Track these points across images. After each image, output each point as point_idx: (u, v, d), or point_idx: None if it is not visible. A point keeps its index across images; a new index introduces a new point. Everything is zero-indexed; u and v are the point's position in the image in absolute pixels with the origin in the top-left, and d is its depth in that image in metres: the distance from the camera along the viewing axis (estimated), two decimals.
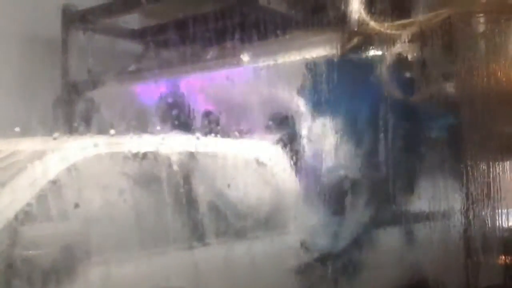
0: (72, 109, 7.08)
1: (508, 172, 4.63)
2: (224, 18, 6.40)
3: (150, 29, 7.18)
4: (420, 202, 5.07)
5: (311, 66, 5.24)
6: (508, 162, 4.65)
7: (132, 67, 6.23)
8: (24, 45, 7.41)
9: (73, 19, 7.27)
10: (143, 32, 7.34)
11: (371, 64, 5.01)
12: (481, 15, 4.51)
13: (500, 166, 4.60)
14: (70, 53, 7.24)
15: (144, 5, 7.02)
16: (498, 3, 4.49)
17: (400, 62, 4.75)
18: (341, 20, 5.05)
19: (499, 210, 4.54)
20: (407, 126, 4.97)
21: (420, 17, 4.69)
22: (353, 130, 5.23)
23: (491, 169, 4.58)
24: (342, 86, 5.25)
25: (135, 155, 3.95)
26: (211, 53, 5.91)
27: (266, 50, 5.50)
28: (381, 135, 5.14)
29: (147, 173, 4.00)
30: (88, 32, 7.00)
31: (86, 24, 7.12)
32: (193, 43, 6.59)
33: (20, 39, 7.40)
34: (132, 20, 8.03)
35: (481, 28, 4.54)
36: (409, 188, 5.11)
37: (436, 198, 4.86)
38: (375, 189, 5.21)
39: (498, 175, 4.58)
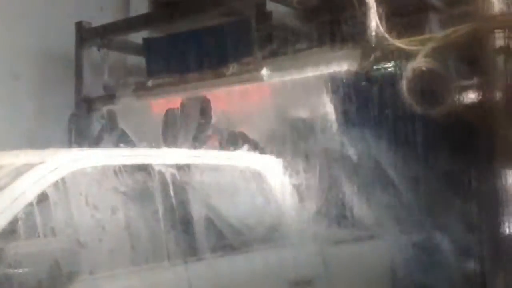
0: (87, 123, 7.17)
1: None
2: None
3: None
4: None
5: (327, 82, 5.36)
6: None
7: (149, 83, 6.29)
8: (39, 61, 7.52)
9: (87, 36, 7.38)
10: None
11: (390, 79, 5.13)
12: (499, 31, 4.61)
13: None
14: (85, 69, 7.33)
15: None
16: None
17: (420, 76, 4.84)
18: (360, 36, 5.16)
19: None
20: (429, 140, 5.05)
21: (439, 33, 4.79)
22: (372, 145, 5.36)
23: None
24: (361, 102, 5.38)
25: (127, 168, 3.79)
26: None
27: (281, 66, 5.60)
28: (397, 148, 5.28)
29: (139, 187, 3.84)
30: (103, 49, 7.08)
31: (100, 40, 7.21)
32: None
33: (35, 55, 7.52)
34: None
35: (499, 43, 4.64)
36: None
37: None
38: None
39: None
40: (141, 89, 6.40)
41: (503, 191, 4.72)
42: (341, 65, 5.21)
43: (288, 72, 5.40)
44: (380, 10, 4.98)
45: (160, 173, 3.92)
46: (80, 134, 7.14)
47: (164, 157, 4.07)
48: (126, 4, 8.72)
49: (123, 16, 8.29)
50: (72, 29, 7.43)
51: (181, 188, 3.99)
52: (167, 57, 7.03)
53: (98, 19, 7.56)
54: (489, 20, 4.63)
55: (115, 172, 3.73)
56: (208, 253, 3.97)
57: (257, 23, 6.31)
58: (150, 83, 6.30)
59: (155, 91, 6.26)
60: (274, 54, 5.73)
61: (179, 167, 4.06)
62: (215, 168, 4.39)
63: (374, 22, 5.02)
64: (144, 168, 3.89)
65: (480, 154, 4.73)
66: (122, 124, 6.55)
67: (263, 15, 6.32)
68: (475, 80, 4.79)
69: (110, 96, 6.96)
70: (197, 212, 4.02)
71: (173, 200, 3.91)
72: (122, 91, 6.69)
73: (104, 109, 6.88)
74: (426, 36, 4.95)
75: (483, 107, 4.77)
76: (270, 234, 4.46)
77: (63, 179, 3.48)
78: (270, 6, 6.39)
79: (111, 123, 6.72)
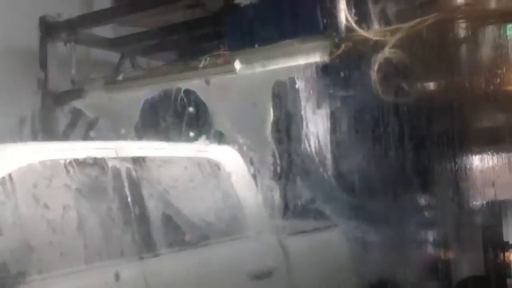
0: (53, 118, 7.14)
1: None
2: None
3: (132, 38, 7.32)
4: None
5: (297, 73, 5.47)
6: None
7: (120, 77, 6.31)
8: (3, 56, 7.43)
9: (51, 30, 7.32)
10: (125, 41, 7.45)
11: (359, 69, 5.27)
12: (463, 21, 4.80)
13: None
14: (50, 63, 7.27)
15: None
16: (479, 10, 4.80)
17: (388, 66, 4.99)
18: (329, 27, 5.28)
19: None
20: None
21: (406, 24, 4.94)
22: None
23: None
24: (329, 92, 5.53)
25: (79, 162, 3.66)
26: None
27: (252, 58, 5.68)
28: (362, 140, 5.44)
29: (92, 182, 3.71)
30: (70, 43, 7.05)
31: (67, 34, 7.17)
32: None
33: None
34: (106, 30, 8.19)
35: (463, 33, 4.83)
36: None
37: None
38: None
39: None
40: (111, 83, 6.40)
41: (467, 176, 4.93)
42: (311, 56, 5.31)
43: (260, 64, 5.49)
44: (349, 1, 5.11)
45: (114, 167, 3.82)
46: (46, 129, 7.11)
47: (118, 150, 3.94)
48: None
49: (86, 10, 8.24)
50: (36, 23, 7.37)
51: (136, 183, 3.89)
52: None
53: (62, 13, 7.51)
54: (453, 11, 4.81)
55: (66, 167, 3.61)
56: (165, 248, 3.88)
57: (225, 15, 6.40)
58: (121, 77, 6.31)
59: (125, 84, 6.27)
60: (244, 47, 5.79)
61: (135, 160, 3.96)
62: (172, 161, 4.30)
63: (343, 13, 5.15)
64: (97, 162, 3.77)
65: (444, 141, 4.92)
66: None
67: (231, 8, 6.40)
68: (440, 69, 4.96)
69: (78, 91, 6.93)
70: (153, 207, 3.93)
71: (128, 195, 3.81)
72: (91, 86, 6.68)
73: (73, 103, 6.88)
74: (394, 26, 5.09)
75: (448, 95, 4.97)
76: (230, 227, 4.44)
77: (10, 175, 3.35)
78: None
79: (78, 117, 6.74)
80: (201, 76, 5.64)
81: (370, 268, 5.14)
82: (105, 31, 8.16)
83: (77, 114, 6.61)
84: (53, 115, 7.10)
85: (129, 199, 3.81)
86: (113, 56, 8.22)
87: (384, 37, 5.00)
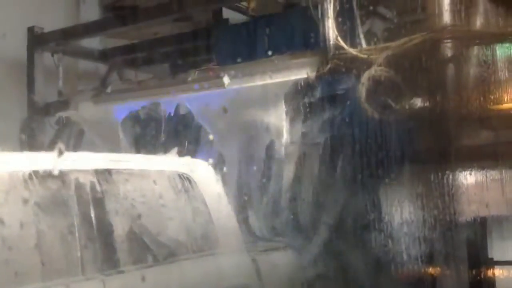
0: (40, 129, 7.14)
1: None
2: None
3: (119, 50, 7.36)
4: None
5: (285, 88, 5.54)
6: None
7: (109, 89, 6.33)
8: None
9: (39, 41, 7.34)
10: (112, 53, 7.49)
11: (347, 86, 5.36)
12: (449, 41, 4.91)
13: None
14: (37, 74, 7.28)
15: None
16: (465, 31, 4.91)
17: (375, 83, 5.07)
18: (317, 45, 5.36)
19: None
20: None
21: (394, 43, 5.03)
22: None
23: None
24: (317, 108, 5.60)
25: (38, 174, 3.43)
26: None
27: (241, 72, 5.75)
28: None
29: (52, 196, 3.48)
30: (58, 54, 7.06)
31: (55, 45, 7.18)
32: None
33: None
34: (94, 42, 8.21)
35: (449, 52, 4.93)
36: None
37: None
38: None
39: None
40: (100, 95, 6.42)
41: (451, 192, 5.01)
42: (300, 72, 5.39)
43: (248, 79, 5.55)
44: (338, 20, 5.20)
45: (77, 180, 3.62)
46: (32, 140, 7.10)
47: (82, 162, 3.75)
48: (76, 11, 8.68)
49: (73, 22, 8.26)
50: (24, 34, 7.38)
51: (100, 197, 3.70)
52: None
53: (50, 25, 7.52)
54: (440, 31, 4.91)
55: (24, 180, 3.37)
56: (129, 265, 3.71)
57: (213, 30, 6.47)
58: (109, 89, 6.33)
59: (114, 97, 6.30)
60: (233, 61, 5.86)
61: (99, 173, 3.76)
62: (140, 174, 4.08)
63: (332, 31, 5.23)
64: (58, 175, 3.54)
65: (429, 157, 5.01)
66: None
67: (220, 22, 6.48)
68: (426, 87, 5.06)
69: (64, 102, 6.94)
70: (118, 222, 3.74)
71: (91, 210, 3.61)
72: (79, 97, 6.69)
73: (59, 114, 6.88)
74: (381, 45, 5.18)
75: (434, 113, 5.06)
76: (200, 244, 4.28)
77: None
78: (227, 13, 6.53)
79: (68, 129, 6.75)
80: (190, 90, 5.68)
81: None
82: (93, 43, 8.20)
83: (65, 125, 6.59)
84: (39, 126, 7.07)
85: (92, 214, 3.61)
86: (101, 68, 8.24)
87: (371, 55, 5.09)
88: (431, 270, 5.06)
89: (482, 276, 4.96)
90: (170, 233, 4.08)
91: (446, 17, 4.90)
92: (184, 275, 4.00)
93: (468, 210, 4.95)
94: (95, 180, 3.71)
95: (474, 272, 4.90)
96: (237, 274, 4.39)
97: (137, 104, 6.15)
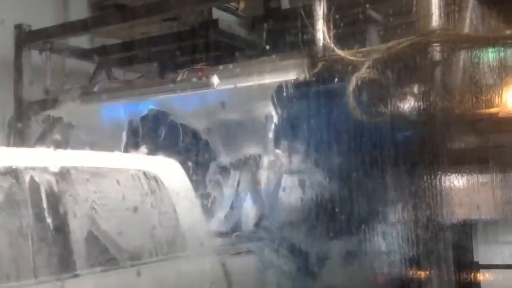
0: (26, 127, 7.09)
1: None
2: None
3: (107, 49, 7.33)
4: None
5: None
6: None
7: (96, 88, 6.30)
8: None
9: (27, 39, 7.29)
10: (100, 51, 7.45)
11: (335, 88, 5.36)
12: (437, 44, 4.92)
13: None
14: (24, 72, 7.23)
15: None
16: (454, 35, 4.92)
17: (364, 86, 5.08)
18: (307, 46, 5.36)
19: None
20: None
21: (382, 45, 5.04)
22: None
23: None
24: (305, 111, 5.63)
25: None
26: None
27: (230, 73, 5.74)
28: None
29: (4, 193, 3.29)
30: (46, 52, 7.02)
31: (43, 43, 7.14)
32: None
33: None
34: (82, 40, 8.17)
35: (438, 56, 4.95)
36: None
37: None
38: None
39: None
40: (87, 94, 6.39)
41: (439, 194, 5.02)
42: (288, 74, 5.39)
43: (237, 80, 5.54)
44: (327, 21, 5.19)
45: (32, 178, 3.39)
46: (19, 138, 7.06)
47: (39, 159, 3.54)
48: (64, 9, 8.63)
49: (61, 20, 8.21)
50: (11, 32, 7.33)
51: (57, 196, 3.48)
52: None
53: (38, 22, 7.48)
54: (429, 34, 4.93)
55: None
56: (86, 269, 3.52)
57: (202, 30, 6.45)
58: (96, 88, 6.30)
59: (101, 96, 6.27)
60: (222, 62, 5.85)
61: (57, 172, 3.53)
62: (101, 173, 3.86)
63: (321, 32, 5.23)
64: (10, 172, 3.34)
65: (416, 160, 5.02)
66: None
67: (209, 23, 6.46)
68: (414, 90, 5.07)
69: (52, 100, 6.90)
70: (75, 223, 3.53)
71: (46, 210, 3.39)
72: (66, 96, 6.65)
73: (46, 112, 6.85)
74: (369, 48, 5.19)
75: (422, 116, 5.07)
76: (165, 246, 4.06)
77: None
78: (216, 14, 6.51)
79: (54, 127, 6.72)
80: (178, 90, 5.66)
81: None
82: (81, 41, 8.16)
83: (51, 123, 6.56)
84: (26, 124, 7.02)
85: (46, 215, 3.39)
86: (89, 67, 8.19)
87: (360, 58, 5.09)
88: (416, 273, 5.08)
89: (468, 279, 4.99)
90: (131, 235, 3.87)
91: (435, 21, 4.91)
92: (144, 280, 3.80)
93: (455, 213, 4.97)
94: (52, 179, 3.49)
95: (460, 275, 4.92)
96: (203, 279, 4.20)
97: (124, 103, 6.11)
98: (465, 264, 4.96)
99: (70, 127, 6.41)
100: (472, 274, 5.05)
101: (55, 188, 3.49)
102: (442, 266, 4.70)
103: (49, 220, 3.39)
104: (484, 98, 5.19)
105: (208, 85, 5.55)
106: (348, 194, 5.38)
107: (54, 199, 3.47)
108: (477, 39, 5.04)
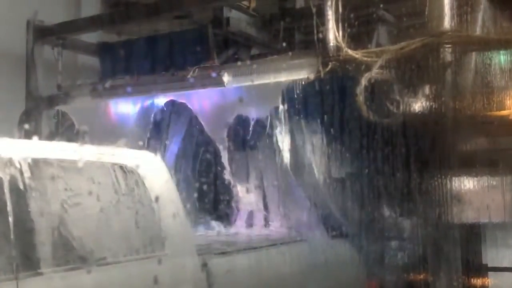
0: (38, 122, 7.13)
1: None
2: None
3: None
4: None
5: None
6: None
7: (107, 84, 6.32)
8: None
9: (39, 34, 7.32)
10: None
11: (346, 88, 5.37)
12: (449, 46, 4.91)
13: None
14: (37, 67, 7.26)
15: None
16: (465, 37, 4.91)
17: (375, 86, 5.08)
18: (318, 45, 5.36)
19: None
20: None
21: (394, 46, 5.04)
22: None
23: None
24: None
25: None
26: None
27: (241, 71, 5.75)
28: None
29: None
30: (58, 47, 7.05)
31: (55, 39, 7.17)
32: None
33: None
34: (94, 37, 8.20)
35: (449, 57, 4.94)
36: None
37: None
38: None
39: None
40: (98, 90, 6.42)
41: (448, 195, 5.01)
42: (299, 73, 5.39)
43: (248, 78, 5.54)
44: (338, 21, 5.20)
45: None
46: (31, 133, 7.09)
47: (3, 150, 3.28)
48: (77, 5, 8.67)
49: (73, 16, 8.25)
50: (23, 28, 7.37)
51: (21, 190, 3.26)
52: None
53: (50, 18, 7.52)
54: (440, 36, 4.92)
55: None
56: (50, 267, 3.29)
57: (213, 28, 6.46)
58: (108, 84, 6.32)
59: (112, 92, 6.29)
60: (233, 60, 5.86)
61: (23, 163, 3.30)
62: (74, 166, 3.59)
63: (332, 32, 5.23)
64: None
65: (428, 161, 5.01)
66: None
67: (220, 21, 6.46)
68: (425, 91, 5.06)
69: (64, 96, 6.94)
70: (42, 219, 3.30)
71: (8, 204, 3.18)
72: (77, 91, 6.69)
73: (58, 108, 6.89)
74: (381, 48, 5.19)
75: (432, 117, 5.07)
76: (140, 245, 3.83)
77: None
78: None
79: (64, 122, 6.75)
80: (189, 87, 5.68)
81: None
82: (93, 37, 8.19)
83: (62, 118, 6.60)
84: (38, 119, 7.06)
85: (8, 209, 3.18)
86: None
87: (371, 58, 5.09)
88: (424, 275, 5.07)
89: (477, 281, 4.97)
90: (102, 233, 3.64)
91: (447, 22, 4.90)
92: (115, 280, 3.60)
93: (463, 216, 4.96)
94: (16, 171, 3.27)
95: (468, 278, 4.91)
96: (182, 280, 4.00)
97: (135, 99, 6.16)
98: (473, 266, 4.94)
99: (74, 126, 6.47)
100: (481, 276, 5.03)
101: (19, 180, 3.28)
102: (451, 267, 4.70)
103: (10, 214, 3.19)
104: (495, 100, 5.18)
105: (219, 83, 5.55)
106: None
107: (17, 191, 3.26)
108: (488, 41, 5.02)
